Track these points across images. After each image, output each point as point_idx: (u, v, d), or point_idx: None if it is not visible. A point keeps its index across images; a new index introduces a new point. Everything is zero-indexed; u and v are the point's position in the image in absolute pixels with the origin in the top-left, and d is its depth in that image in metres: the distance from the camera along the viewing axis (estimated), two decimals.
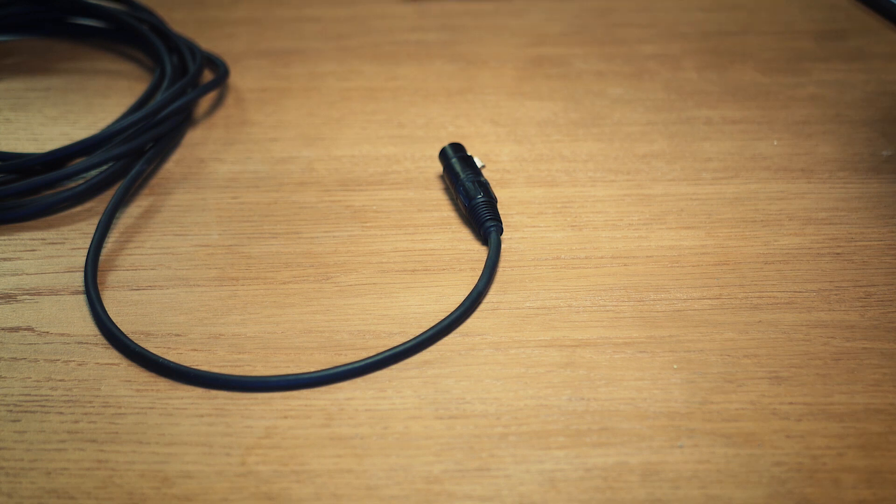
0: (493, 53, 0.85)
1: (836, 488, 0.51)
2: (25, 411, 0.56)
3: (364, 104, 0.79)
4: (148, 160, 0.72)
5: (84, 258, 0.65)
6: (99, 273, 0.64)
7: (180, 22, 0.88)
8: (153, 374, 0.58)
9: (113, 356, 0.59)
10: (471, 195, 0.66)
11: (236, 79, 0.82)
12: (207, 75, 0.82)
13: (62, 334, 0.60)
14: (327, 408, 0.56)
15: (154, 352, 0.58)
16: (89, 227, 0.68)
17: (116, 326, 0.60)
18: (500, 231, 0.65)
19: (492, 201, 0.65)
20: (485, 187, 0.66)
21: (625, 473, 0.52)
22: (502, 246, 0.64)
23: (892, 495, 0.51)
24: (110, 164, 0.71)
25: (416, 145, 0.74)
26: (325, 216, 0.68)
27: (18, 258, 0.66)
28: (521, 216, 0.68)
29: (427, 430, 0.54)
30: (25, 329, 0.61)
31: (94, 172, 0.71)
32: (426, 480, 0.52)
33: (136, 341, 0.59)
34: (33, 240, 0.67)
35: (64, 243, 0.67)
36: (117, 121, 0.74)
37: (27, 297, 0.63)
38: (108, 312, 0.61)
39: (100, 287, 0.63)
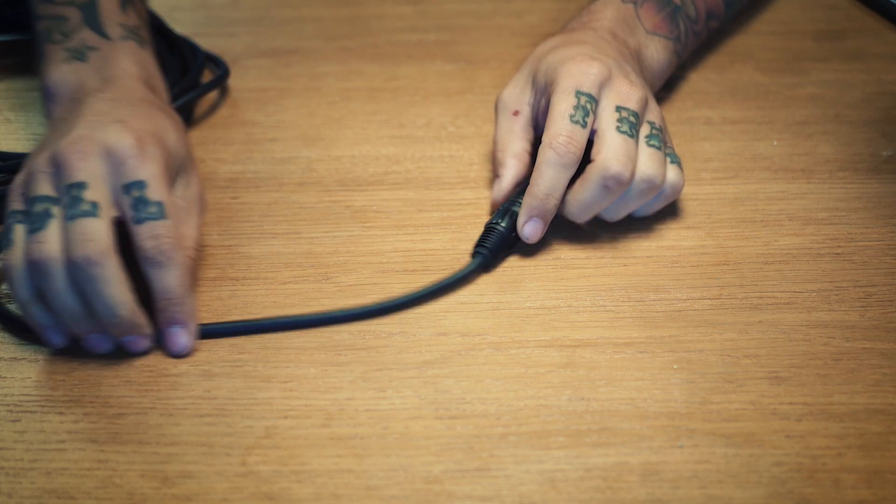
0: (493, 53, 0.85)
1: (836, 488, 0.51)
2: (25, 411, 0.56)
3: (364, 104, 0.79)
4: None
5: None
6: None
7: (180, 22, 0.88)
8: (153, 375, 0.58)
9: (113, 356, 0.59)
10: (494, 218, 0.64)
11: (236, 79, 0.82)
12: (207, 75, 0.82)
13: None
14: (327, 408, 0.56)
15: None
16: None
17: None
18: (484, 264, 0.63)
19: (504, 234, 0.63)
20: (514, 218, 0.64)
21: (625, 473, 0.52)
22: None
23: (892, 495, 0.51)
24: None
25: (416, 145, 0.74)
26: (325, 216, 0.68)
27: None
28: None
29: (427, 430, 0.54)
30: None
31: None
32: (426, 480, 0.52)
33: None
34: None
35: None
36: None
37: None
38: None
39: None
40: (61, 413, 0.56)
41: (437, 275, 0.63)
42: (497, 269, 0.64)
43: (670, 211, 0.67)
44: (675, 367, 0.57)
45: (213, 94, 0.80)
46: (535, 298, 0.62)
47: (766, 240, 0.65)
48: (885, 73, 0.81)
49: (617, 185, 0.61)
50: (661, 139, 0.63)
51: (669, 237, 0.66)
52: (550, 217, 0.63)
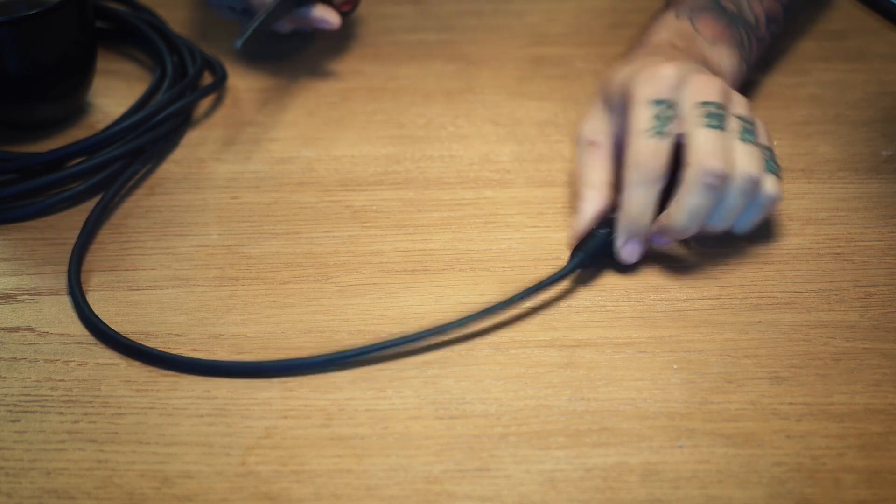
0: (493, 53, 0.85)
1: (836, 488, 0.51)
2: (25, 411, 0.56)
3: (364, 104, 0.79)
4: (142, 162, 0.72)
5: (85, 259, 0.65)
6: (99, 273, 0.64)
7: (181, 22, 0.88)
8: (153, 375, 0.58)
9: (113, 356, 0.59)
10: (600, 226, 0.63)
11: (236, 79, 0.82)
12: (206, 77, 0.82)
13: (62, 334, 0.60)
14: (327, 408, 0.56)
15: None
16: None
17: (103, 322, 0.60)
18: (580, 264, 0.62)
19: (604, 239, 0.61)
20: (614, 224, 0.62)
21: (625, 473, 0.52)
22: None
23: (892, 495, 0.51)
24: (110, 165, 0.71)
25: (416, 145, 0.74)
26: (325, 216, 0.68)
27: (18, 258, 0.66)
28: (521, 216, 0.68)
29: (427, 430, 0.54)
30: (25, 329, 0.61)
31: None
32: (426, 480, 0.52)
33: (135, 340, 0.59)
34: (33, 240, 0.67)
35: (64, 244, 0.67)
36: (116, 122, 0.74)
37: (27, 297, 0.63)
38: (107, 312, 0.61)
39: (99, 287, 0.63)
40: (61, 413, 0.56)
41: (438, 275, 0.63)
42: (497, 269, 0.64)
43: None
44: (675, 367, 0.57)
45: (212, 94, 0.80)
46: (535, 298, 0.62)
47: (766, 240, 0.65)
48: (885, 73, 0.81)
49: (718, 181, 0.58)
50: (754, 133, 0.61)
51: None
52: (645, 235, 0.61)
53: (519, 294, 0.60)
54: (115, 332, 0.59)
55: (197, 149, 0.75)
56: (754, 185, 0.60)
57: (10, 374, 0.58)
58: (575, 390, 0.56)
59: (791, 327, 0.59)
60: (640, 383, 0.56)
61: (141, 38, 0.84)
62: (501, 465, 0.53)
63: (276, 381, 0.57)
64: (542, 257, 0.64)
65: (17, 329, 0.61)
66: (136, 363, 0.58)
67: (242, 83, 0.82)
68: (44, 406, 0.56)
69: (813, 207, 0.68)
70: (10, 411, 0.56)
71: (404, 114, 0.78)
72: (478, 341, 0.59)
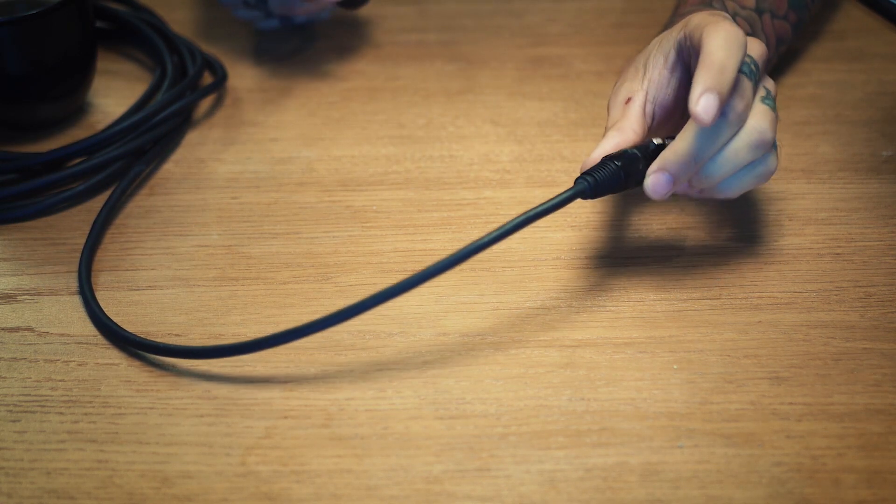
0: (493, 53, 0.85)
1: (836, 488, 0.51)
2: (25, 411, 0.56)
3: (364, 104, 0.79)
4: (146, 161, 0.72)
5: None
6: (99, 273, 0.64)
7: (181, 22, 0.88)
8: (153, 375, 0.58)
9: (113, 356, 0.59)
10: (612, 155, 0.59)
11: (236, 79, 0.82)
12: (206, 77, 0.82)
13: (62, 334, 0.60)
14: (327, 408, 0.56)
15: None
16: (89, 228, 0.68)
17: (110, 318, 0.60)
18: (582, 191, 0.58)
19: (615, 171, 0.58)
20: (629, 161, 0.58)
21: (625, 473, 0.52)
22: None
23: (892, 495, 0.51)
24: (110, 165, 0.71)
25: (416, 145, 0.74)
26: (325, 216, 0.68)
27: (18, 258, 0.66)
28: None
29: (427, 430, 0.54)
30: (25, 329, 0.61)
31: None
32: (426, 480, 0.52)
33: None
34: (33, 240, 0.67)
35: (64, 244, 0.67)
36: (116, 122, 0.74)
37: (27, 297, 0.63)
38: (108, 312, 0.61)
39: (99, 287, 0.63)
40: (61, 413, 0.56)
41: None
42: (497, 269, 0.63)
43: (670, 210, 0.67)
44: (675, 367, 0.57)
45: (212, 95, 0.80)
46: (535, 298, 0.62)
47: (766, 240, 0.65)
48: (885, 73, 0.81)
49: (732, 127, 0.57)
50: (774, 102, 0.60)
51: (669, 237, 0.66)
52: (726, 96, 0.56)
53: (519, 218, 0.56)
54: (132, 333, 0.59)
55: (197, 149, 0.75)
56: (764, 145, 0.58)
57: (10, 374, 0.58)
58: (575, 390, 0.56)
59: (791, 327, 0.59)
60: (640, 383, 0.56)
61: (141, 38, 0.84)
62: (501, 465, 0.53)
63: (276, 381, 0.57)
64: (541, 257, 0.64)
65: (16, 329, 0.61)
66: (136, 363, 0.58)
67: (242, 83, 0.82)
68: (44, 406, 0.56)
69: (813, 207, 0.68)
70: (10, 411, 0.56)
71: (404, 114, 0.78)
72: (478, 341, 0.59)
